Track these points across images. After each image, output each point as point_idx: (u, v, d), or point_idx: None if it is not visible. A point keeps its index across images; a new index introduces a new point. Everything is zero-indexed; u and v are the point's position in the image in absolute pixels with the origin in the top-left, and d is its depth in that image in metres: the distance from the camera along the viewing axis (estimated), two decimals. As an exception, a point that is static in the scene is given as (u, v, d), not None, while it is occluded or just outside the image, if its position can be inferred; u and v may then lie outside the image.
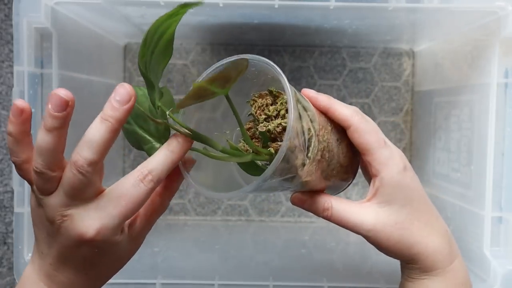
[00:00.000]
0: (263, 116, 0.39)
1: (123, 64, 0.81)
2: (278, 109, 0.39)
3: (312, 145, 0.38)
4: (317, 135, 0.38)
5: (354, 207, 0.40)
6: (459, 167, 0.63)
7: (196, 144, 0.38)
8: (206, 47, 0.81)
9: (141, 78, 0.81)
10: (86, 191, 0.35)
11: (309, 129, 0.38)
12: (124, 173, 0.81)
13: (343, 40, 0.77)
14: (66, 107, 0.35)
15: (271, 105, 0.39)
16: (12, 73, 0.78)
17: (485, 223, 0.54)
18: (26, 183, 0.51)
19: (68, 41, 0.57)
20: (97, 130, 0.36)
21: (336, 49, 0.81)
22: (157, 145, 0.38)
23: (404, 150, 0.82)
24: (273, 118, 0.38)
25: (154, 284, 0.54)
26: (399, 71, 0.82)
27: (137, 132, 0.39)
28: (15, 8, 0.51)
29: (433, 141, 0.73)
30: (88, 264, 0.37)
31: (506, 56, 0.53)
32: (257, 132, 0.39)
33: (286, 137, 0.35)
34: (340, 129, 0.41)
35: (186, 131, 0.37)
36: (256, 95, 0.39)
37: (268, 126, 0.38)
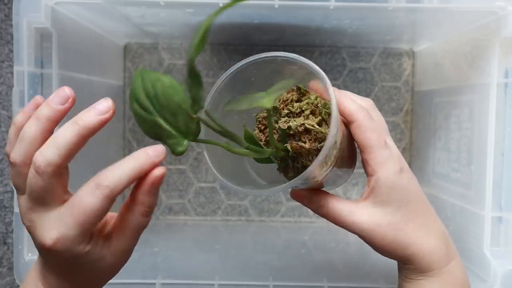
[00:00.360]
0: (286, 111, 0.39)
1: (123, 64, 0.81)
2: (303, 108, 0.38)
3: (334, 153, 0.39)
4: (340, 143, 0.39)
5: (349, 205, 0.40)
6: (459, 167, 0.63)
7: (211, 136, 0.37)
8: (206, 47, 0.81)
9: (141, 78, 0.81)
10: (46, 196, 0.34)
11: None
12: (124, 173, 0.81)
13: (343, 40, 0.77)
14: (66, 102, 0.34)
15: (296, 101, 0.39)
16: (12, 73, 0.78)
17: (485, 223, 0.54)
18: (26, 183, 0.51)
19: (68, 41, 0.57)
20: (65, 131, 0.34)
21: (336, 49, 0.81)
22: (184, 141, 0.35)
23: (404, 150, 0.82)
24: (295, 116, 0.38)
25: (154, 284, 0.54)
26: (399, 71, 0.82)
27: (160, 125, 0.35)
28: (15, 8, 0.51)
29: (433, 141, 0.73)
30: (65, 271, 0.36)
31: (506, 56, 0.53)
32: (277, 126, 0.39)
33: (323, 152, 0.35)
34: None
35: (218, 128, 0.36)
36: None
37: (289, 123, 0.38)
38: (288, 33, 0.72)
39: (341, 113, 0.40)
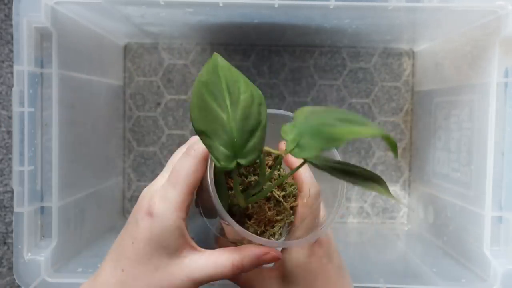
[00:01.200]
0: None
1: (123, 64, 0.81)
2: (274, 177, 0.40)
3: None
4: None
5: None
6: (459, 167, 0.63)
7: None
8: (206, 47, 0.81)
9: (141, 78, 0.81)
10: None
11: None
12: (124, 173, 0.81)
13: (343, 40, 0.77)
14: None
15: (269, 167, 0.40)
16: (12, 73, 0.78)
17: (485, 222, 0.54)
18: (26, 183, 0.51)
19: (68, 41, 0.57)
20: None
21: (336, 49, 0.81)
22: (233, 162, 0.34)
23: (404, 150, 0.82)
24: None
25: (154, 283, 0.53)
26: (399, 71, 0.82)
27: (224, 125, 0.34)
28: (15, 8, 0.51)
29: (433, 141, 0.73)
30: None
31: (506, 56, 0.53)
32: (246, 180, 0.40)
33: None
34: None
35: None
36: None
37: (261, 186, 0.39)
38: (288, 33, 0.72)
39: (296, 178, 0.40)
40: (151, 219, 0.37)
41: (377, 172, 0.82)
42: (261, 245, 0.37)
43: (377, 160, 0.82)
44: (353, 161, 0.82)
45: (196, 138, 0.38)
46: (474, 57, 0.59)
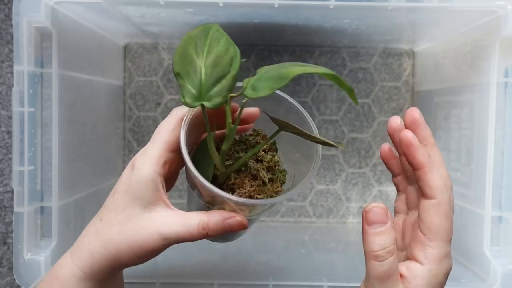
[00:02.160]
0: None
1: (123, 64, 0.81)
2: (265, 159, 0.42)
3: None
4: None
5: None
6: (459, 166, 0.63)
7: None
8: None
9: (141, 78, 0.81)
10: None
11: None
12: (124, 173, 0.81)
13: (343, 40, 0.77)
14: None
15: (264, 151, 0.43)
16: (12, 73, 0.78)
17: (485, 222, 0.54)
18: (26, 182, 0.51)
19: (68, 41, 0.57)
20: None
21: (336, 49, 0.81)
22: (196, 102, 0.37)
23: (404, 150, 0.82)
24: (256, 160, 0.42)
25: (154, 283, 0.54)
26: (399, 71, 0.82)
27: (195, 70, 0.37)
28: (15, 8, 0.51)
29: (433, 141, 0.73)
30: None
31: (506, 56, 0.53)
32: (236, 155, 0.42)
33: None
34: None
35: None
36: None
37: (250, 162, 0.41)
38: (288, 33, 0.72)
39: (423, 182, 0.37)
40: (131, 171, 0.39)
41: (377, 172, 0.82)
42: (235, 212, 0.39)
43: (377, 160, 0.82)
44: (353, 161, 0.82)
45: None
46: (474, 57, 0.59)
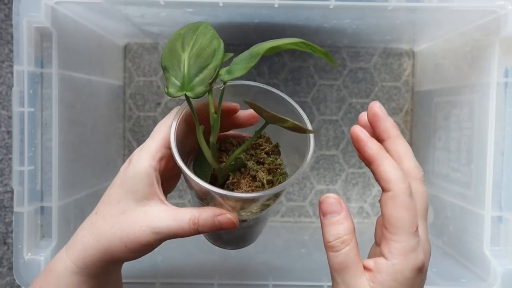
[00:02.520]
0: (252, 152, 0.42)
1: (123, 64, 0.81)
2: (266, 161, 0.42)
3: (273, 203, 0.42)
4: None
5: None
6: (459, 166, 0.63)
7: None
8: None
9: (141, 78, 0.81)
10: None
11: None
12: (124, 173, 0.81)
13: (343, 40, 0.77)
14: None
15: (266, 153, 0.43)
16: (12, 73, 0.78)
17: (485, 222, 0.54)
18: (26, 182, 0.51)
19: (68, 41, 0.57)
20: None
21: (336, 49, 0.81)
22: (179, 92, 0.38)
23: (404, 150, 0.82)
24: (257, 162, 0.42)
25: (154, 283, 0.54)
26: (399, 71, 0.82)
27: (179, 62, 0.38)
28: (15, 8, 0.51)
29: (433, 141, 0.73)
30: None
31: (506, 56, 0.53)
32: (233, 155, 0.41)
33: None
34: None
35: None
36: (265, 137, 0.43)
37: (249, 163, 0.41)
38: (288, 33, 0.72)
39: (377, 176, 0.36)
40: (127, 165, 0.40)
41: (377, 172, 0.82)
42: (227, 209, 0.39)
43: (377, 160, 0.82)
44: (353, 161, 0.82)
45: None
46: (474, 57, 0.59)
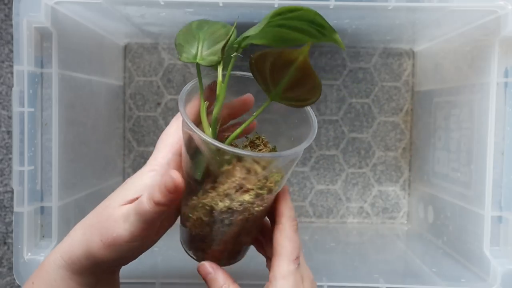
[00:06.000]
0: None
1: (123, 64, 0.81)
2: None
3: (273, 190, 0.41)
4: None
5: None
6: (459, 166, 0.63)
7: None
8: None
9: (141, 78, 0.81)
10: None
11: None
12: (124, 173, 0.81)
13: (343, 40, 0.77)
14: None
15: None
16: (12, 73, 0.78)
17: (485, 222, 0.54)
18: (26, 182, 0.51)
19: (68, 41, 0.57)
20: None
21: (336, 49, 0.81)
22: (193, 60, 0.41)
23: (404, 150, 0.82)
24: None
25: (154, 283, 0.54)
26: (399, 71, 0.82)
27: (195, 37, 0.42)
28: (15, 8, 0.51)
29: (433, 141, 0.73)
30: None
31: (506, 56, 0.53)
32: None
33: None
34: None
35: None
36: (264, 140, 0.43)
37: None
38: (288, 33, 0.72)
39: (275, 209, 0.41)
40: (142, 169, 0.42)
41: (377, 172, 0.82)
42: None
43: (377, 160, 0.82)
44: (353, 161, 0.82)
45: None
46: (474, 57, 0.59)
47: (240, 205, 0.39)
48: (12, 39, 0.78)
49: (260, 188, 0.39)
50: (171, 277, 0.55)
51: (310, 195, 0.82)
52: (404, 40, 0.77)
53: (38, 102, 0.53)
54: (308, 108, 0.42)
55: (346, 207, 0.82)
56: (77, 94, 0.61)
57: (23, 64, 0.51)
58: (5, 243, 0.78)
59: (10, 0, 0.78)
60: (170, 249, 0.67)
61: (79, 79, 0.62)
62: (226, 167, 0.38)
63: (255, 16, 0.62)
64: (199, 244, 0.43)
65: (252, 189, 0.39)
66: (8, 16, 0.78)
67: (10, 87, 0.78)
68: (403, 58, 0.82)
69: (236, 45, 0.40)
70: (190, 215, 0.41)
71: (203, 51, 0.41)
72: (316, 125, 0.41)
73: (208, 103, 0.40)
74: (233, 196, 0.39)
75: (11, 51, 0.78)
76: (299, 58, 0.37)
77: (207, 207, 0.39)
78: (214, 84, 0.42)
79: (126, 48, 0.81)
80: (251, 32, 0.38)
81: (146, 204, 0.37)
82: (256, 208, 0.40)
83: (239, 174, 0.38)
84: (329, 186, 0.82)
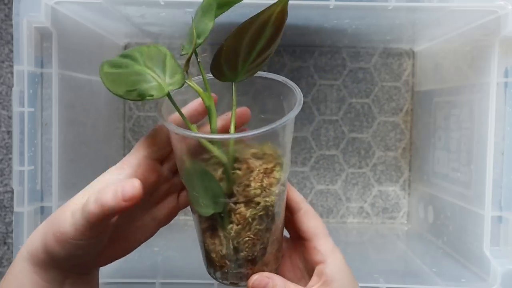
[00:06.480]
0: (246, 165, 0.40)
1: (123, 64, 0.81)
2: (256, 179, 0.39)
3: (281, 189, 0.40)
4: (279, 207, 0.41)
5: None
6: (459, 166, 0.63)
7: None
8: (206, 47, 0.81)
9: (141, 78, 0.81)
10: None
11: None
12: (124, 173, 0.81)
13: (343, 40, 0.77)
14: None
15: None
16: (12, 73, 0.78)
17: (485, 222, 0.54)
18: (26, 182, 0.51)
19: (68, 40, 0.57)
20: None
21: (336, 49, 0.81)
22: (164, 89, 0.38)
23: (404, 150, 0.82)
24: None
25: (154, 283, 0.54)
26: (399, 71, 0.82)
27: (142, 72, 0.38)
28: (15, 8, 0.51)
29: (433, 141, 0.73)
30: None
31: (506, 56, 0.53)
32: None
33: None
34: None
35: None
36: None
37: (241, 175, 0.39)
38: (288, 33, 0.72)
39: (289, 201, 0.42)
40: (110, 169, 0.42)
41: (377, 172, 0.82)
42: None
43: (377, 160, 0.82)
44: (353, 161, 0.82)
45: None
46: (474, 57, 0.59)
47: (277, 183, 0.39)
48: (12, 39, 0.78)
49: (274, 166, 0.39)
50: (171, 277, 0.55)
51: (310, 195, 0.82)
52: (404, 40, 0.77)
53: (38, 102, 0.53)
54: (286, 80, 0.42)
55: (346, 207, 0.82)
56: (77, 94, 0.61)
57: (23, 64, 0.51)
58: (5, 243, 0.78)
59: (10, 0, 0.78)
60: (170, 249, 0.67)
61: (79, 79, 0.62)
62: (237, 165, 0.37)
63: (255, 16, 0.62)
64: (247, 263, 0.41)
65: (272, 167, 0.39)
66: (8, 16, 0.78)
67: (10, 87, 0.78)
68: (403, 58, 0.82)
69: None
70: (242, 240, 0.39)
71: (165, 79, 0.39)
72: (299, 92, 0.40)
73: (195, 125, 0.38)
74: (264, 184, 0.38)
75: (11, 51, 0.78)
76: (276, 9, 0.36)
77: (262, 212, 0.38)
78: (196, 104, 0.41)
79: (126, 48, 0.81)
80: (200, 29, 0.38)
81: (91, 204, 0.35)
82: (282, 187, 0.40)
83: (253, 162, 0.38)
84: (329, 186, 0.82)
